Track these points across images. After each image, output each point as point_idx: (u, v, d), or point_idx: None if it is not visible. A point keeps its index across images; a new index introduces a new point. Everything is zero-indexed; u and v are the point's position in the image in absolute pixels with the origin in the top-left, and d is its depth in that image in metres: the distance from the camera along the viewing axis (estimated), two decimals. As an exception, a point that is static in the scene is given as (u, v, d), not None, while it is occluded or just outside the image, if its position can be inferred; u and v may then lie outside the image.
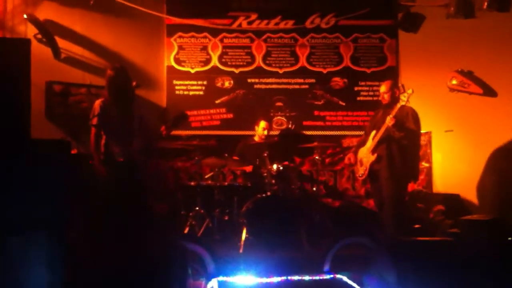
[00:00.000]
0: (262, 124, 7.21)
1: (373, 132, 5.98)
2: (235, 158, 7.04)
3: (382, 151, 5.86)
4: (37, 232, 2.78)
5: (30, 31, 6.71)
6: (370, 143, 5.98)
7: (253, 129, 7.35)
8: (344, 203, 7.20)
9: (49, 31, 6.77)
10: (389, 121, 5.69)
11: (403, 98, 5.68)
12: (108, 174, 5.06)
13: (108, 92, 5.20)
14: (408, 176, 6.00)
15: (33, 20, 6.67)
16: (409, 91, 5.66)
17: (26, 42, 3.45)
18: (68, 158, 3.21)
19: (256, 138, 7.26)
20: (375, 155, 5.88)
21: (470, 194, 6.87)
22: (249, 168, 6.86)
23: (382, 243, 4.21)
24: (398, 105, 5.71)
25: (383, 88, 6.04)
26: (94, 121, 5.19)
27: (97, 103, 5.24)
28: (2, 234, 2.69)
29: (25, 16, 6.63)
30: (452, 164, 7.29)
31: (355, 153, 6.22)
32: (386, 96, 5.97)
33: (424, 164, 7.37)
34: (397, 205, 5.82)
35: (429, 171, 7.44)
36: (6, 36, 6.54)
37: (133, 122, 5.23)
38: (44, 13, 6.87)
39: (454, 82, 7.24)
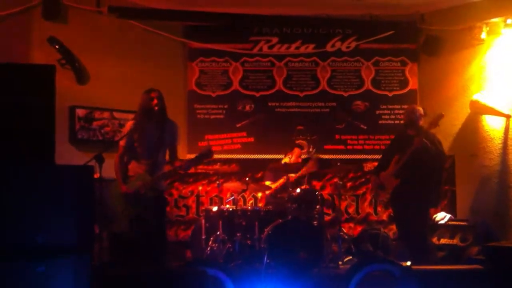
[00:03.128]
0: (297, 151, 7.11)
1: (396, 157, 5.90)
2: (268, 183, 6.98)
3: (407, 175, 5.76)
4: (63, 257, 2.78)
5: (54, 56, 6.80)
6: (393, 167, 5.89)
7: (274, 153, 7.32)
8: (367, 228, 7.11)
9: (72, 56, 6.85)
10: (418, 143, 5.60)
11: (433, 122, 5.63)
12: (131, 198, 5.06)
13: (141, 114, 5.24)
14: (431, 202, 5.92)
15: (57, 46, 6.76)
16: (440, 116, 5.63)
17: (51, 68, 3.50)
18: (92, 183, 3.21)
19: (283, 161, 7.16)
20: (399, 180, 5.80)
21: (496, 219, 6.75)
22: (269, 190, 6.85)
23: (407, 270, 4.14)
24: (425, 129, 5.66)
25: (408, 111, 6.00)
26: (123, 142, 5.21)
27: (129, 124, 5.29)
28: (29, 260, 2.69)
29: (49, 42, 6.73)
30: (476, 189, 7.17)
31: (377, 175, 6.13)
32: (409, 117, 5.91)
33: (448, 189, 7.26)
34: (421, 230, 5.74)
35: (453, 196, 7.32)
36: (31, 62, 6.64)
37: (162, 147, 5.25)
38: (68, 39, 6.96)
39: (476, 105, 7.16)
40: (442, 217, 6.91)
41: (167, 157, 5.41)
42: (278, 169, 7.02)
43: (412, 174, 5.72)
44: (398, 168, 5.79)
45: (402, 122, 6.64)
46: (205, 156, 5.27)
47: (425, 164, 5.71)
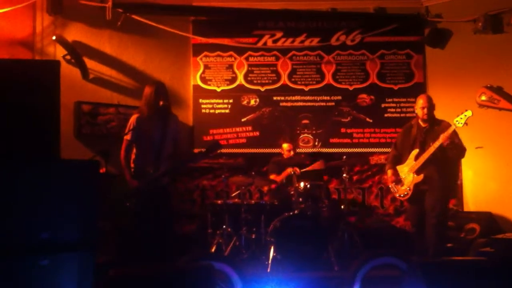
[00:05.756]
0: (285, 146, 7.13)
1: (415, 151, 5.79)
2: (272, 177, 6.99)
3: (432, 172, 5.68)
4: (68, 253, 2.78)
5: (59, 52, 6.82)
6: (412, 163, 5.79)
7: (279, 147, 7.33)
8: (374, 222, 7.10)
9: (77, 52, 6.87)
10: (444, 140, 5.53)
11: (460, 120, 5.56)
12: (138, 192, 5.04)
13: (145, 108, 5.21)
14: (451, 194, 5.93)
15: (62, 42, 6.78)
16: (468, 113, 5.55)
17: (56, 64, 3.50)
18: (98, 178, 3.21)
19: (285, 156, 7.19)
20: (422, 175, 5.72)
21: (503, 211, 6.74)
22: (273, 185, 6.87)
23: (414, 263, 4.12)
24: (453, 127, 5.57)
25: (421, 102, 5.90)
26: (129, 135, 5.17)
27: (133, 117, 5.22)
28: (33, 256, 2.69)
29: (54, 37, 6.75)
30: (483, 181, 7.16)
31: (393, 169, 6.05)
32: (425, 111, 5.82)
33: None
34: (443, 225, 5.74)
35: (460, 188, 7.31)
36: (36, 58, 6.65)
37: (166, 141, 5.23)
38: (73, 34, 6.99)
39: (483, 98, 7.13)
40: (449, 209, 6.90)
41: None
42: (281, 163, 7.03)
43: (437, 170, 5.67)
44: (420, 164, 5.71)
45: (409, 115, 6.60)
46: (214, 149, 5.26)
47: (449, 157, 5.69)
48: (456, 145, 5.64)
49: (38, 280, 2.69)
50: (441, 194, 5.71)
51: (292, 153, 7.06)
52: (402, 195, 5.91)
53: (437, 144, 5.58)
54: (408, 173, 5.81)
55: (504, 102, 6.93)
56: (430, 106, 5.83)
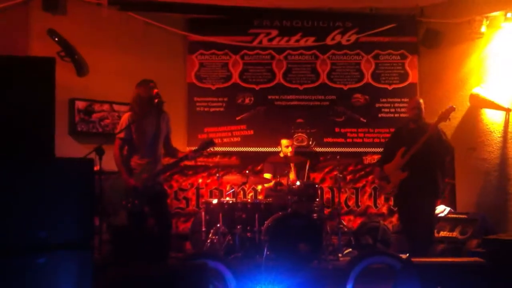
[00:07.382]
0: (284, 142, 7.12)
1: (402, 149, 5.85)
2: (267, 176, 7.00)
3: (418, 169, 5.73)
4: (64, 251, 2.78)
5: (54, 48, 6.78)
6: (399, 160, 5.84)
7: (273, 146, 7.34)
8: (367, 221, 7.12)
9: (72, 49, 6.84)
10: (433, 130, 5.60)
11: (443, 116, 5.62)
12: (135, 190, 5.03)
13: (138, 106, 5.19)
14: (438, 194, 5.94)
15: (57, 38, 6.75)
16: (451, 109, 5.60)
17: (51, 61, 3.47)
18: (93, 176, 3.20)
19: (281, 155, 7.17)
20: (406, 172, 5.76)
21: (495, 212, 6.76)
22: (269, 184, 6.87)
23: (407, 262, 4.14)
24: (440, 122, 5.65)
25: (412, 103, 5.98)
26: (122, 134, 5.16)
27: (125, 116, 5.21)
28: (29, 254, 2.69)
29: (49, 34, 6.71)
30: (475, 182, 7.18)
31: (381, 167, 6.10)
32: (416, 111, 5.88)
33: (448, 182, 7.27)
34: (430, 223, 5.77)
35: (453, 188, 7.33)
36: (31, 55, 6.62)
37: (159, 139, 5.23)
38: (68, 31, 6.94)
39: (476, 98, 7.16)
40: (441, 210, 6.93)
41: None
42: (277, 162, 7.03)
43: (421, 166, 5.69)
44: (406, 161, 5.75)
45: (403, 115, 6.63)
46: (208, 145, 5.25)
47: (434, 155, 5.72)
48: (442, 141, 5.70)
49: (36, 279, 2.68)
50: (427, 192, 5.73)
51: (290, 149, 7.03)
52: (388, 192, 5.99)
53: (423, 139, 5.62)
54: (394, 170, 5.86)
55: (496, 103, 6.96)
56: (420, 109, 5.91)
